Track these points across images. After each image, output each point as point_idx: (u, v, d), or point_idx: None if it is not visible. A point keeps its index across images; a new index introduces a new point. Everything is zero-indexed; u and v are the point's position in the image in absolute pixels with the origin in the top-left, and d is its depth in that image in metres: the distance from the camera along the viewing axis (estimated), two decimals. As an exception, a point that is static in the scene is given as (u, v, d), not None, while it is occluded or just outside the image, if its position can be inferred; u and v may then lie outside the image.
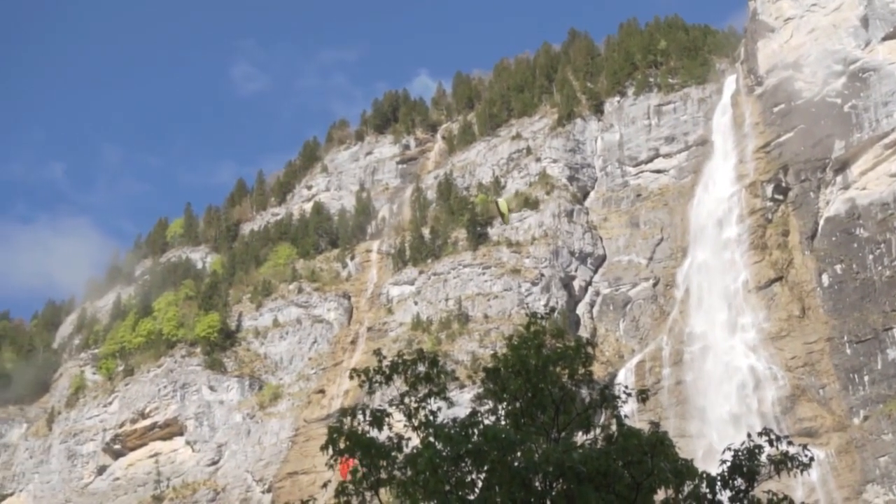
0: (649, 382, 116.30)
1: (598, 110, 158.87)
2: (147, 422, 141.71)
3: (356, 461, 23.21)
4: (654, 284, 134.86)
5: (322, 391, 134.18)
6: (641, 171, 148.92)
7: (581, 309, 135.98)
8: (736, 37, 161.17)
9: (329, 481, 24.84)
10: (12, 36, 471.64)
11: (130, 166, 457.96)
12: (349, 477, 23.22)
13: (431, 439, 22.59)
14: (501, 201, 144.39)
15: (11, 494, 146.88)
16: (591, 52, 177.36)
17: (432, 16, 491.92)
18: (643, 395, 24.31)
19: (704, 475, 22.46)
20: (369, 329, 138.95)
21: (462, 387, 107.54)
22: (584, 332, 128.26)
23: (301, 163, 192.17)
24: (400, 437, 23.26)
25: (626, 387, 24.25)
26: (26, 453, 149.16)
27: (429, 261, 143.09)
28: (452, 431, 22.36)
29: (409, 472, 22.41)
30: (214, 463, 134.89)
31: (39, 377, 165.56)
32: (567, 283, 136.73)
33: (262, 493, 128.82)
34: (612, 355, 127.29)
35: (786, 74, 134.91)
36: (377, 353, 25.45)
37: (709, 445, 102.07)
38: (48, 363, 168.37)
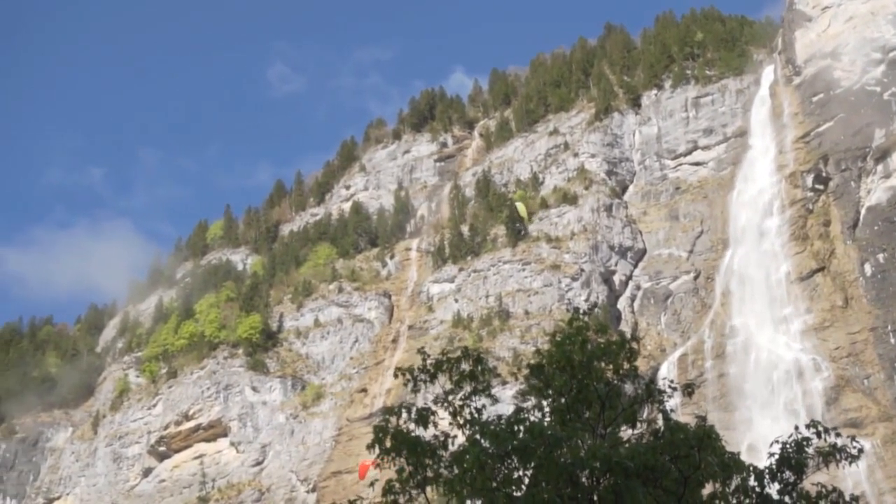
0: (692, 376, 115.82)
1: (635, 104, 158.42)
2: (191, 423, 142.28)
3: (378, 461, 23.25)
4: (695, 277, 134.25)
5: (364, 390, 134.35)
6: (680, 164, 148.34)
7: (622, 303, 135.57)
8: (773, 27, 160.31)
9: (376, 480, 24.88)
10: (49, 43, 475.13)
11: (168, 170, 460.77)
12: (396, 475, 23.27)
13: (477, 436, 22.61)
14: (519, 204, 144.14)
15: (58, 498, 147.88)
16: (627, 46, 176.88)
17: (466, 12, 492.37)
18: (689, 389, 24.21)
19: (752, 468, 22.36)
20: (410, 327, 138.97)
21: (504, 383, 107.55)
22: (625, 327, 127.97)
23: (339, 163, 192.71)
24: (445, 435, 23.28)
25: (672, 381, 24.16)
26: (72, 457, 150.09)
27: (468, 258, 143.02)
28: (498, 429, 22.37)
29: (456, 470, 22.42)
30: (259, 463, 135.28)
31: (84, 381, 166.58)
32: (607, 278, 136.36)
33: (307, 492, 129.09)
34: (654, 349, 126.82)
35: (824, 64, 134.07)
36: (421, 351, 25.47)
37: (753, 438, 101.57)
38: (92, 367, 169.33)
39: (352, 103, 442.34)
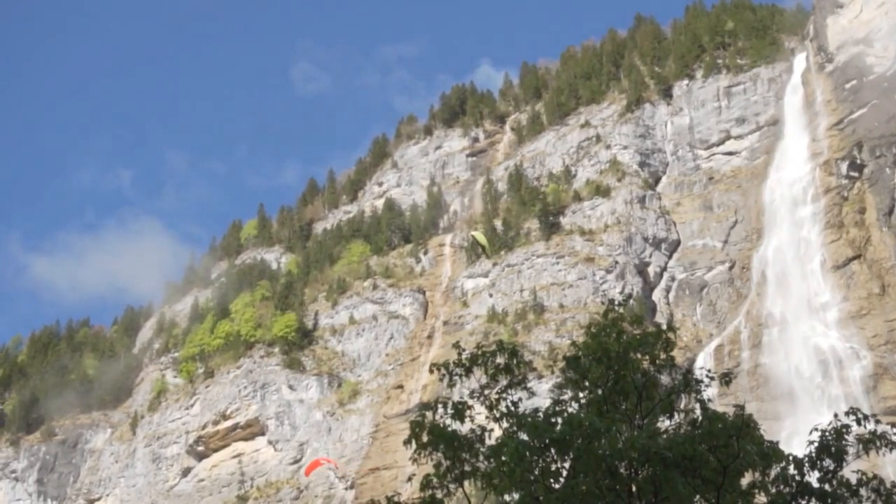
0: (728, 366, 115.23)
1: (666, 94, 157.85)
2: (229, 423, 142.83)
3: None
4: (730, 267, 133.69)
5: (400, 386, 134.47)
6: (713, 154, 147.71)
7: (657, 295, 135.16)
8: (804, 14, 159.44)
9: (413, 475, 24.88)
10: (75, 47, 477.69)
11: (197, 171, 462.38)
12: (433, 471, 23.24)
13: (515, 429, 22.59)
14: (478, 234, 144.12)
15: (99, 499, 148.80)
16: (657, 37, 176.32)
17: (492, 7, 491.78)
18: (726, 378, 24.11)
19: (791, 457, 22.22)
20: (445, 323, 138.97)
21: (540, 377, 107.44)
22: (660, 318, 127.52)
23: (371, 160, 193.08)
24: (482, 429, 23.27)
25: (709, 370, 24.07)
26: (111, 458, 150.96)
27: (502, 252, 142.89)
28: (536, 421, 22.34)
29: (494, 463, 22.39)
30: (297, 461, 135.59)
31: (121, 382, 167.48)
32: (642, 270, 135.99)
33: (345, 489, 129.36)
34: (690, 340, 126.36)
35: (856, 50, 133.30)
36: (456, 345, 25.41)
37: (792, 427, 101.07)
38: (129, 368, 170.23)
39: (378, 100, 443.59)
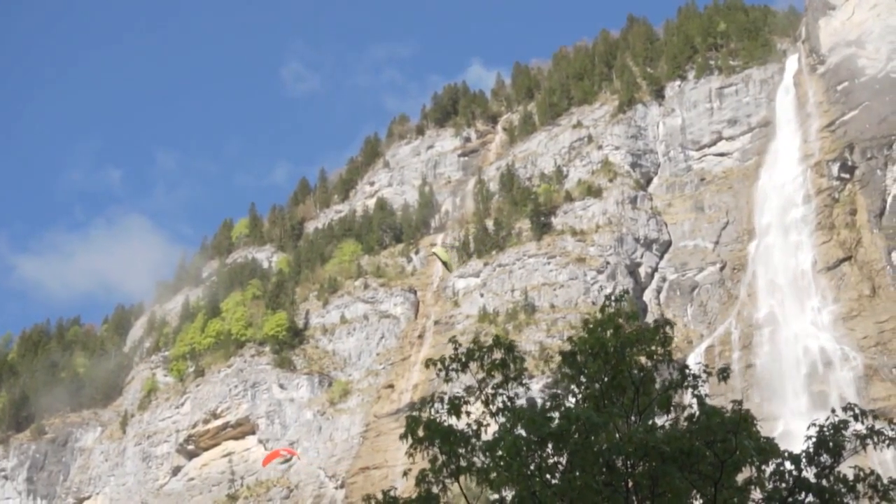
0: (719, 367, 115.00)
1: (658, 95, 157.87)
2: (219, 422, 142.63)
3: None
4: (721, 268, 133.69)
5: (391, 386, 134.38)
6: (705, 155, 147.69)
7: (648, 295, 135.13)
8: (796, 15, 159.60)
9: (409, 470, 24.79)
10: (65, 46, 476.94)
11: (187, 170, 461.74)
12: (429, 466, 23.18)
13: (511, 424, 22.56)
14: (439, 249, 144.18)
15: (88, 498, 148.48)
16: (650, 37, 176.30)
17: (484, 6, 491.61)
18: (724, 374, 24.14)
19: (788, 453, 22.24)
20: (436, 323, 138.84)
21: (531, 377, 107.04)
22: (651, 319, 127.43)
23: (363, 159, 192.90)
24: (479, 424, 23.22)
25: (707, 365, 24.11)
26: (101, 457, 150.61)
27: (493, 252, 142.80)
28: (533, 415, 22.31)
29: (490, 458, 22.35)
30: (287, 461, 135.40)
31: (112, 381, 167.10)
32: (633, 270, 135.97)
33: (335, 488, 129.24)
34: (681, 341, 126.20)
35: (848, 52, 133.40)
36: (452, 340, 25.37)
37: (783, 428, 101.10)
38: (120, 367, 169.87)
39: (370, 100, 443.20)
